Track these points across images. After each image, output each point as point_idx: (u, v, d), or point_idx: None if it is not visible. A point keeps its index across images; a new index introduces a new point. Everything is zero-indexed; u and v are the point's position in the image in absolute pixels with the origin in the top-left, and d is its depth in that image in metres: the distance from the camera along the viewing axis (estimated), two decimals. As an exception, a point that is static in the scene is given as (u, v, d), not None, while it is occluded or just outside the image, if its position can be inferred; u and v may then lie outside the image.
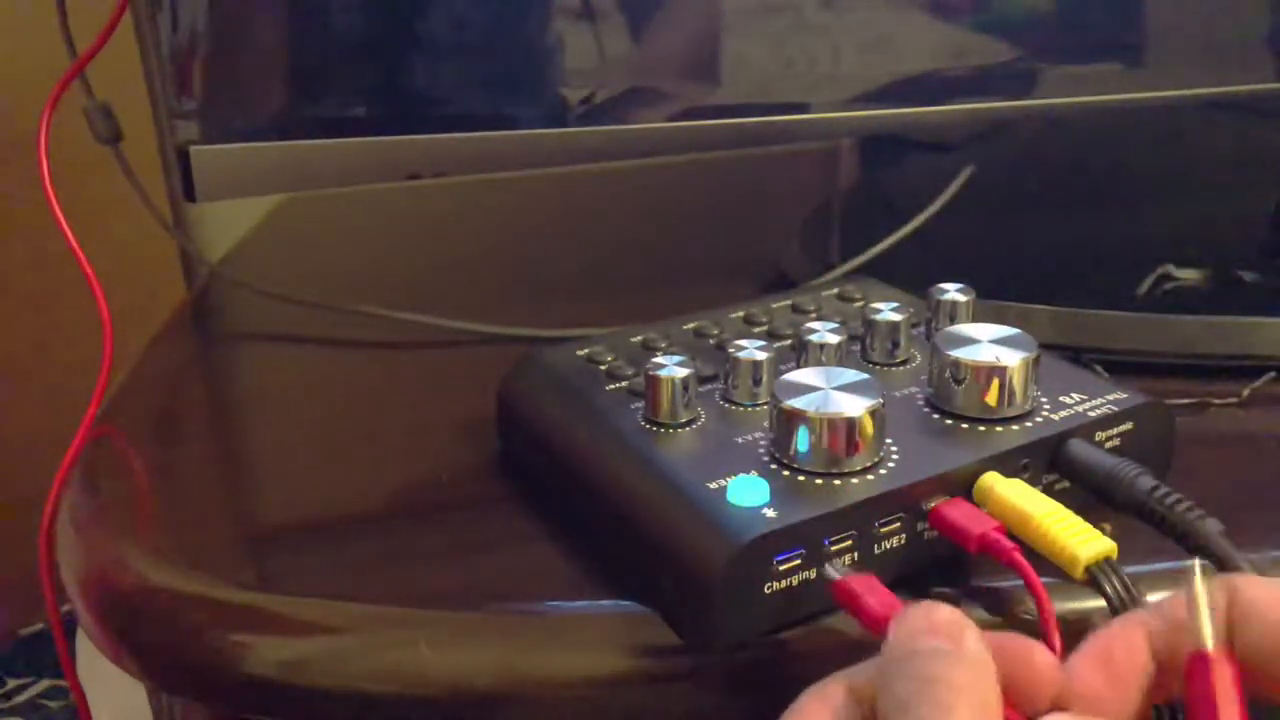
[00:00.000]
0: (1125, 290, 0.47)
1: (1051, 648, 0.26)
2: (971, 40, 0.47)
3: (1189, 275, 0.48)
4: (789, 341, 0.39)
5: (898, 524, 0.30)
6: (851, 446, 0.30)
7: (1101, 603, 0.28)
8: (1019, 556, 0.28)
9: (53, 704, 1.05)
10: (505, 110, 0.46)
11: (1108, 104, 0.47)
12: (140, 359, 0.53)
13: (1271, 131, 0.61)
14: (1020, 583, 0.28)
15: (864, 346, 0.38)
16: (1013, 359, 0.32)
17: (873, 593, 0.27)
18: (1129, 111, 0.47)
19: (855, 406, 0.30)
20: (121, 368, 0.50)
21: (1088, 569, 0.28)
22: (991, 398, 0.32)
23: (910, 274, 0.43)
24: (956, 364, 0.33)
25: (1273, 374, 0.43)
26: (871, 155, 0.71)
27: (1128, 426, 0.33)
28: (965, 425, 0.33)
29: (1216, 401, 0.42)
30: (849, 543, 0.29)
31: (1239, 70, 0.48)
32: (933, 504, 0.30)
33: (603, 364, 0.38)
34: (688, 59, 0.46)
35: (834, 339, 0.36)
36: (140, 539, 0.37)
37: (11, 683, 1.07)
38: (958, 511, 0.30)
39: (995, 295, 0.45)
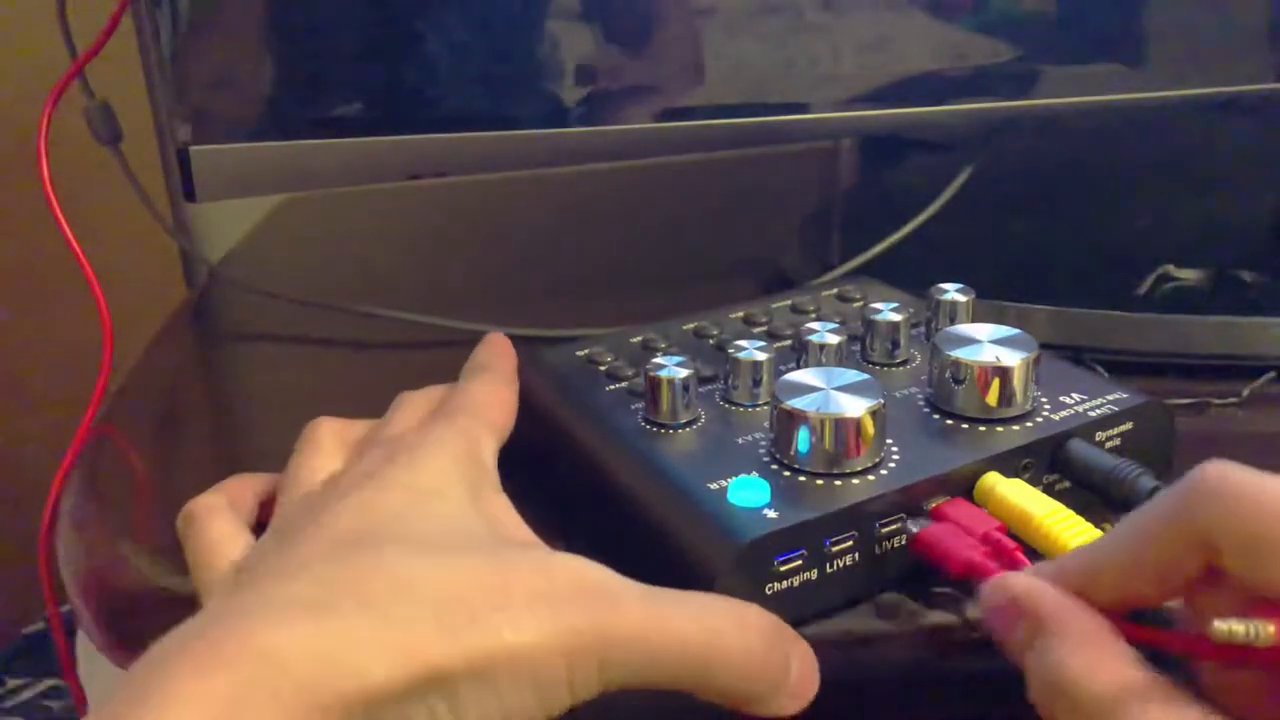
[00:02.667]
0: (1125, 290, 0.47)
1: None
2: (971, 40, 0.47)
3: (1189, 275, 0.48)
4: (789, 342, 0.39)
5: (899, 524, 0.30)
6: (852, 447, 0.30)
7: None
8: (1021, 556, 0.28)
9: (53, 704, 1.04)
10: (505, 110, 0.46)
11: (1108, 104, 0.47)
12: (140, 359, 0.53)
13: (1271, 131, 0.61)
14: (1021, 583, 0.28)
15: (864, 347, 0.38)
16: (1013, 359, 0.32)
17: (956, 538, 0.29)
18: (1129, 111, 0.47)
19: (855, 407, 0.30)
20: (121, 368, 0.50)
21: (1088, 569, 0.28)
22: (992, 398, 0.32)
23: (910, 274, 0.43)
24: (956, 364, 0.33)
25: (1273, 374, 0.43)
26: (871, 155, 0.71)
27: (1128, 426, 0.33)
28: (965, 425, 0.33)
29: (1216, 401, 0.42)
30: (850, 543, 0.29)
31: (1239, 70, 0.48)
32: (933, 504, 0.30)
33: (603, 364, 0.38)
34: (687, 59, 0.46)
35: (834, 339, 0.36)
36: (140, 539, 0.37)
37: (11, 683, 1.07)
38: (959, 511, 0.30)
39: (995, 295, 0.45)
